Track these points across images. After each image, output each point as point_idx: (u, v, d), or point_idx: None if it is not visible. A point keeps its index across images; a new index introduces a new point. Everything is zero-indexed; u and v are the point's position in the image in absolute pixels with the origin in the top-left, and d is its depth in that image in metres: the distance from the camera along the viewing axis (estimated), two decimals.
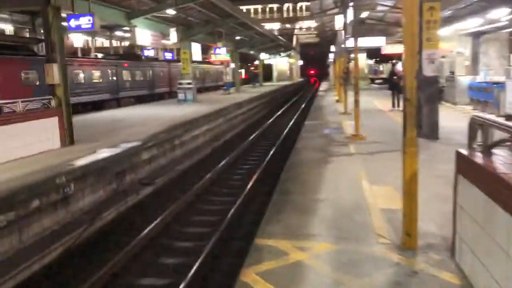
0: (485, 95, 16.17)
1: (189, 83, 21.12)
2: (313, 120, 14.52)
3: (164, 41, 30.73)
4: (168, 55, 22.83)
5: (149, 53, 22.18)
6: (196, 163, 11.74)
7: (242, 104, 20.83)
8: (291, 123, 18.46)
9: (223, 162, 11.14)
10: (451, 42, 20.16)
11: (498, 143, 3.33)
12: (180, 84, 21.30)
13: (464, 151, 3.82)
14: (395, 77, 16.43)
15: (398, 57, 34.11)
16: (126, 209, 8.46)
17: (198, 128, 13.93)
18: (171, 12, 19.36)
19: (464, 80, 19.17)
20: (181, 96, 21.03)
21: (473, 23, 17.58)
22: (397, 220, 4.73)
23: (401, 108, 16.68)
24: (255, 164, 11.43)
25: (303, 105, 27.96)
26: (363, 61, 49.25)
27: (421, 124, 10.73)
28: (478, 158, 3.49)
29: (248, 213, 7.74)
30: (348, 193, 6.03)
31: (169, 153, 11.49)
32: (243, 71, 49.84)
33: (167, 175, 10.55)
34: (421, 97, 10.72)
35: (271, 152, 12.15)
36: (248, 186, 8.75)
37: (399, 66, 16.82)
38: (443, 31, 18.86)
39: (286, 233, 4.58)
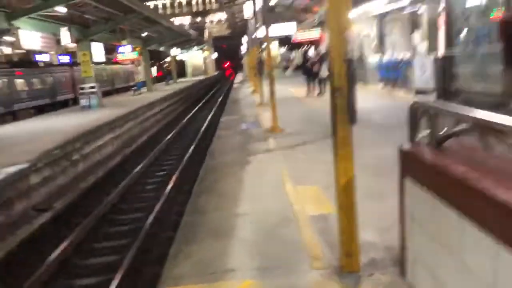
0: (393, 73, 16.28)
1: (92, 87, 19.10)
2: (229, 115, 13.56)
3: (68, 44, 28.01)
4: (64, 59, 20.46)
5: (42, 58, 19.70)
6: (101, 178, 10.22)
7: (154, 104, 19.31)
8: (207, 120, 17.18)
9: (127, 180, 9.44)
10: (359, 24, 20.21)
11: (455, 134, 2.53)
12: (82, 89, 19.22)
13: (409, 148, 3.01)
14: (307, 63, 15.96)
15: (309, 43, 34.29)
16: (16, 245, 6.87)
17: (102, 138, 12.34)
18: (61, 9, 17.26)
19: (372, 60, 19.37)
20: (84, 102, 18.96)
21: (378, 5, 17.65)
22: (330, 230, 3.89)
23: (316, 93, 16.30)
24: (166, 175, 9.84)
25: (219, 99, 26.92)
26: (275, 50, 49.37)
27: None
28: (428, 155, 2.68)
29: (155, 245, 6.30)
30: (271, 200, 5.12)
31: (68, 170, 9.89)
32: (154, 68, 47.59)
33: (67, 197, 9.00)
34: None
35: (185, 158, 10.72)
36: (156, 209, 7.11)
37: (311, 52, 16.37)
38: (351, 14, 18.78)
39: (198, 273, 3.53)
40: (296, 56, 45.92)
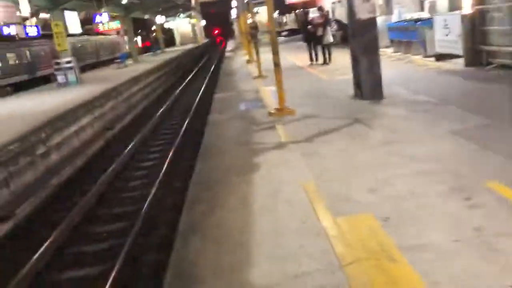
0: (407, 34, 14.04)
1: (68, 62, 16.70)
2: (224, 91, 11.38)
3: (44, 15, 25.19)
4: (31, 31, 17.87)
5: (10, 30, 17.17)
6: (75, 173, 8.13)
7: (139, 78, 17.00)
8: (197, 98, 14.70)
9: (97, 184, 7.13)
10: None
11: None
12: (58, 64, 16.81)
13: None
14: (310, 26, 13.65)
15: (303, 6, 31.50)
16: None
17: (77, 122, 10.21)
18: None
19: (379, 21, 17.02)
20: (61, 78, 16.61)
21: None
22: None
23: (320, 61, 14.08)
24: (143, 191, 6.73)
25: (211, 70, 24.51)
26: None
27: (360, 83, 8.11)
28: None
29: None
30: (305, 256, 3.11)
31: (38, 163, 7.83)
32: (139, 38, 44.52)
33: (34, 199, 6.99)
34: (356, 48, 8.03)
35: (168, 158, 7.87)
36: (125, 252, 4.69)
37: (313, 13, 14.03)
38: None
39: None
40: (288, 20, 42.99)
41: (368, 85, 8.00)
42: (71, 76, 16.69)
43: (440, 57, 11.98)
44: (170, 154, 7.93)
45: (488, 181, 3.79)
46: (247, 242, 3.29)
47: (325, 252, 3.04)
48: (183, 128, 9.92)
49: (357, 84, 8.28)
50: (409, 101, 7.55)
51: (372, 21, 7.75)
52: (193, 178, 4.91)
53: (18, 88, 21.29)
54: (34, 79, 23.60)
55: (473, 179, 3.90)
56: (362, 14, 7.63)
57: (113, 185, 7.23)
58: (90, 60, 31.87)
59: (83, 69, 28.87)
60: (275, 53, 7.54)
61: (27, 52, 23.81)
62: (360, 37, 7.91)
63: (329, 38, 13.64)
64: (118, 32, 35.75)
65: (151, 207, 5.74)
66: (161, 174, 6.91)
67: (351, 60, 8.34)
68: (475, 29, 10.38)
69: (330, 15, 15.04)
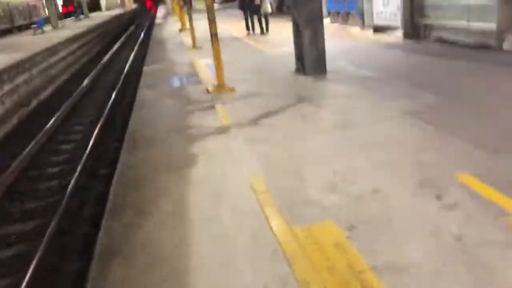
0: (345, 5, 13.62)
1: None
2: (155, 63, 10.23)
3: None
4: None
5: None
6: None
7: (57, 48, 15.08)
8: (125, 70, 13.15)
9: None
10: None
11: None
12: None
13: None
14: None
15: None
16: None
17: None
18: None
19: None
20: None
21: None
22: None
23: (257, 31, 13.26)
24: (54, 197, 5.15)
25: (140, 38, 22.66)
26: None
27: (302, 56, 7.48)
28: None
29: None
30: (254, 281, 2.44)
31: None
32: (59, 1, 40.46)
33: None
34: (298, 18, 7.33)
35: (89, 148, 6.31)
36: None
37: None
38: None
39: None
40: None
41: (311, 59, 7.39)
42: None
43: (378, 29, 11.69)
44: (90, 143, 6.47)
45: (458, 174, 3.34)
46: (184, 270, 2.55)
47: (285, 280, 2.38)
48: (106, 109, 8.41)
49: (299, 57, 7.64)
50: (354, 76, 7.07)
51: None
52: (117, 175, 4.01)
53: None
54: None
55: (441, 171, 3.44)
56: None
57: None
58: (3, 25, 28.36)
59: None
60: (212, 21, 6.63)
61: None
62: (303, 5, 7.21)
63: (267, 8, 12.84)
64: None
65: (61, 219, 4.36)
66: (77, 172, 5.44)
67: (292, 31, 7.65)
68: (413, 2, 10.12)
69: None
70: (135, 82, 9.82)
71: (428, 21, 9.90)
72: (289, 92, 6.42)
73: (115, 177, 3.94)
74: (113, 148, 6.51)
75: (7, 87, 10.09)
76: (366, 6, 12.20)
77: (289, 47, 10.30)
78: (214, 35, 6.68)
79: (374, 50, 9.40)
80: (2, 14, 28.93)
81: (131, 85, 11.19)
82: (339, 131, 4.58)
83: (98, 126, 7.17)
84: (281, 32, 13.19)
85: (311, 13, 7.13)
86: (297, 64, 7.68)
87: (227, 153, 4.29)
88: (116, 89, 10.15)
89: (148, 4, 65.82)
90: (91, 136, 6.75)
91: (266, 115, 5.38)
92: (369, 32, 11.79)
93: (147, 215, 3.23)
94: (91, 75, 12.84)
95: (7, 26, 28.95)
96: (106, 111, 8.14)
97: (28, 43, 16.01)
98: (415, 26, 10.22)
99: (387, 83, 6.42)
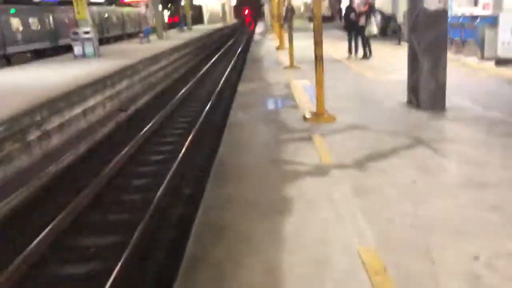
0: (462, 33, 12.18)
1: (86, 32, 15.34)
2: (249, 82, 9.80)
3: None
4: None
5: None
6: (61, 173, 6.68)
7: (160, 57, 15.55)
8: (218, 87, 12.87)
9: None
10: None
11: None
12: (75, 34, 15.45)
13: None
14: (353, 14, 11.91)
15: None
16: None
17: (81, 104, 8.86)
18: None
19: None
20: (77, 50, 15.27)
21: None
22: None
23: (360, 55, 12.34)
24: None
25: (237, 53, 22.84)
26: None
27: (417, 87, 6.48)
28: None
29: None
30: None
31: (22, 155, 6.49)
32: (165, 12, 42.85)
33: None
34: (416, 45, 6.37)
35: (165, 182, 5.56)
36: None
37: (357, 2, 12.26)
38: None
39: None
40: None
41: (428, 92, 6.36)
42: (89, 48, 15.35)
43: (501, 61, 10.16)
44: (170, 172, 5.87)
45: None
46: None
47: None
48: (193, 131, 7.79)
49: (413, 89, 6.64)
50: (480, 117, 5.90)
51: (442, 13, 6.07)
52: (198, 216, 3.45)
53: (40, 55, 20.23)
54: (55, 47, 22.46)
55: None
56: (431, 3, 5.95)
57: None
58: (115, 32, 30.60)
59: (108, 40, 27.71)
60: (318, 43, 5.95)
61: (50, 18, 22.63)
62: (424, 31, 6.24)
63: (373, 29, 11.90)
64: (146, 5, 34.31)
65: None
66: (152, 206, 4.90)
67: (408, 59, 6.69)
68: None
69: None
70: (228, 101, 9.42)
71: None
72: (401, 129, 5.48)
73: (196, 221, 3.36)
74: (195, 180, 5.98)
75: (107, 93, 10.37)
76: (488, 34, 10.72)
77: (396, 75, 9.32)
78: (319, 58, 5.99)
79: (498, 87, 8.03)
80: (116, 21, 31.30)
81: (224, 102, 10.89)
82: (472, 192, 3.58)
83: (180, 155, 6.62)
84: (386, 58, 12.16)
85: (433, 40, 6.13)
86: (409, 96, 6.70)
87: (329, 203, 3.52)
88: (207, 108, 9.80)
89: (247, 20, 67.75)
90: (171, 165, 6.22)
91: (374, 157, 4.52)
92: (489, 65, 10.30)
93: (228, 283, 2.57)
94: (185, 88, 12.81)
95: (119, 32, 31.26)
96: (191, 135, 7.62)
97: (134, 51, 16.76)
98: None
99: None
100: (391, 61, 11.38)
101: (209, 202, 3.78)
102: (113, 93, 10.74)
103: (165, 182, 5.51)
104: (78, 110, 8.61)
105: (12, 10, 19.40)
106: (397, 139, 5.05)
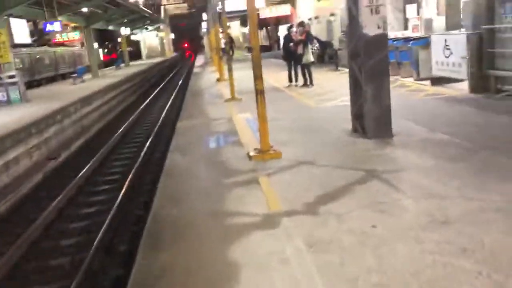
0: (397, 55, 12.45)
1: (11, 77, 14.12)
2: (189, 118, 9.23)
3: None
4: None
5: None
6: None
7: (92, 97, 14.62)
8: (156, 127, 12.04)
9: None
10: None
11: None
12: None
13: None
14: (291, 44, 11.82)
15: (276, 22, 29.88)
16: None
17: (4, 155, 7.84)
18: None
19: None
20: (1, 96, 13.99)
21: None
22: None
23: (300, 83, 12.20)
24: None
25: (177, 87, 22.26)
26: (237, 29, 44.65)
27: (362, 115, 6.25)
28: None
29: None
30: None
31: None
32: (101, 51, 41.60)
33: None
34: (357, 71, 6.18)
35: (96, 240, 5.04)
36: None
37: (294, 30, 12.22)
38: None
39: None
40: (261, 37, 41.41)
41: (373, 119, 6.13)
42: (14, 94, 14.10)
43: (436, 81, 10.39)
44: (97, 238, 5.07)
45: None
46: None
47: None
48: (126, 183, 6.98)
49: (358, 116, 6.40)
50: (427, 141, 5.73)
51: (382, 38, 5.90)
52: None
53: None
54: None
55: None
56: (370, 28, 5.79)
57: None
58: (48, 74, 29.01)
59: (39, 83, 26.10)
60: (258, 77, 5.55)
61: None
62: (365, 57, 6.04)
63: (309, 57, 11.85)
64: (82, 44, 33.04)
65: None
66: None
67: (350, 86, 6.48)
68: (483, 51, 8.81)
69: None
70: (166, 140, 8.74)
71: (500, 73, 8.53)
72: (349, 161, 5.14)
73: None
74: (125, 240, 5.25)
75: (35, 141, 9.38)
76: (422, 55, 10.98)
77: (337, 101, 9.20)
78: (260, 92, 5.58)
79: (438, 106, 8.05)
80: (48, 62, 29.72)
81: (162, 141, 10.19)
82: (437, 233, 3.21)
83: (113, 208, 5.87)
84: (324, 84, 12.12)
85: (375, 66, 5.94)
86: (354, 124, 6.44)
87: (282, 265, 2.99)
88: (144, 149, 9.07)
89: (187, 53, 67.64)
90: (104, 219, 5.50)
91: (326, 197, 4.09)
92: (426, 84, 10.50)
93: None
94: (121, 129, 11.98)
95: (51, 74, 29.65)
96: (125, 187, 6.82)
97: (66, 93, 15.68)
98: (483, 78, 8.86)
99: (473, 152, 5.05)
100: (331, 88, 11.33)
101: (141, 275, 3.12)
102: (40, 141, 9.74)
103: (90, 254, 4.70)
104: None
105: None
106: (347, 173, 4.68)
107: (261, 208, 4.00)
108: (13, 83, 14.15)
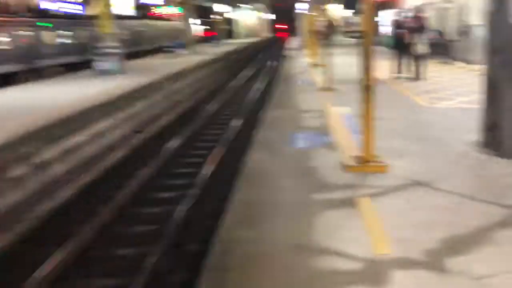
0: None
1: (114, 47, 14.35)
2: (278, 108, 8.25)
3: None
4: (75, 8, 15.63)
5: (49, 6, 15.09)
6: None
7: (184, 73, 14.36)
8: (246, 105, 11.33)
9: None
10: None
11: None
12: (97, 48, 14.51)
13: None
14: (400, 30, 10.23)
15: (380, 5, 27.39)
16: None
17: (87, 128, 7.63)
18: None
19: (483, 31, 13.10)
20: (100, 65, 14.28)
21: None
22: None
23: (408, 74, 10.35)
24: None
25: (269, 71, 21.37)
26: (338, 12, 42.43)
27: (498, 126, 4.79)
28: None
29: None
30: None
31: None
32: (200, 27, 42.14)
33: None
34: (496, 71, 4.71)
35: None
36: None
37: (406, 14, 10.57)
38: None
39: None
40: (357, 21, 38.85)
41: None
42: (113, 64, 14.33)
43: None
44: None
45: None
46: None
47: None
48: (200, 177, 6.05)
49: (491, 127, 4.95)
50: None
51: None
52: None
53: (70, 69, 19.71)
54: (88, 61, 21.91)
55: None
56: None
57: None
58: (153, 46, 29.94)
59: (138, 55, 27.01)
60: (367, 69, 4.39)
61: (82, 32, 22.12)
62: (509, 53, 4.58)
63: (422, 48, 10.13)
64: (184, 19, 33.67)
65: None
66: None
67: (485, 87, 5.02)
68: None
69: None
70: (251, 131, 7.60)
71: None
72: (484, 189, 3.83)
73: None
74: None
75: (120, 115, 9.17)
76: None
77: (454, 103, 7.62)
78: (367, 87, 4.42)
79: None
80: (152, 35, 30.75)
81: (246, 134, 8.93)
82: None
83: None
84: (437, 79, 10.39)
85: None
86: (486, 136, 5.00)
87: None
88: (225, 148, 7.79)
89: (283, 34, 66.55)
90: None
91: (456, 245, 2.91)
92: None
93: None
94: (201, 115, 11.28)
95: (155, 46, 30.65)
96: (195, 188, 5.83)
97: (160, 66, 15.62)
98: None
99: None
100: (445, 85, 9.64)
101: None
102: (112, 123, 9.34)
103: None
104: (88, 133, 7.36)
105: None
106: (484, 209, 3.42)
107: (362, 248, 2.95)
108: (113, 54, 14.39)
